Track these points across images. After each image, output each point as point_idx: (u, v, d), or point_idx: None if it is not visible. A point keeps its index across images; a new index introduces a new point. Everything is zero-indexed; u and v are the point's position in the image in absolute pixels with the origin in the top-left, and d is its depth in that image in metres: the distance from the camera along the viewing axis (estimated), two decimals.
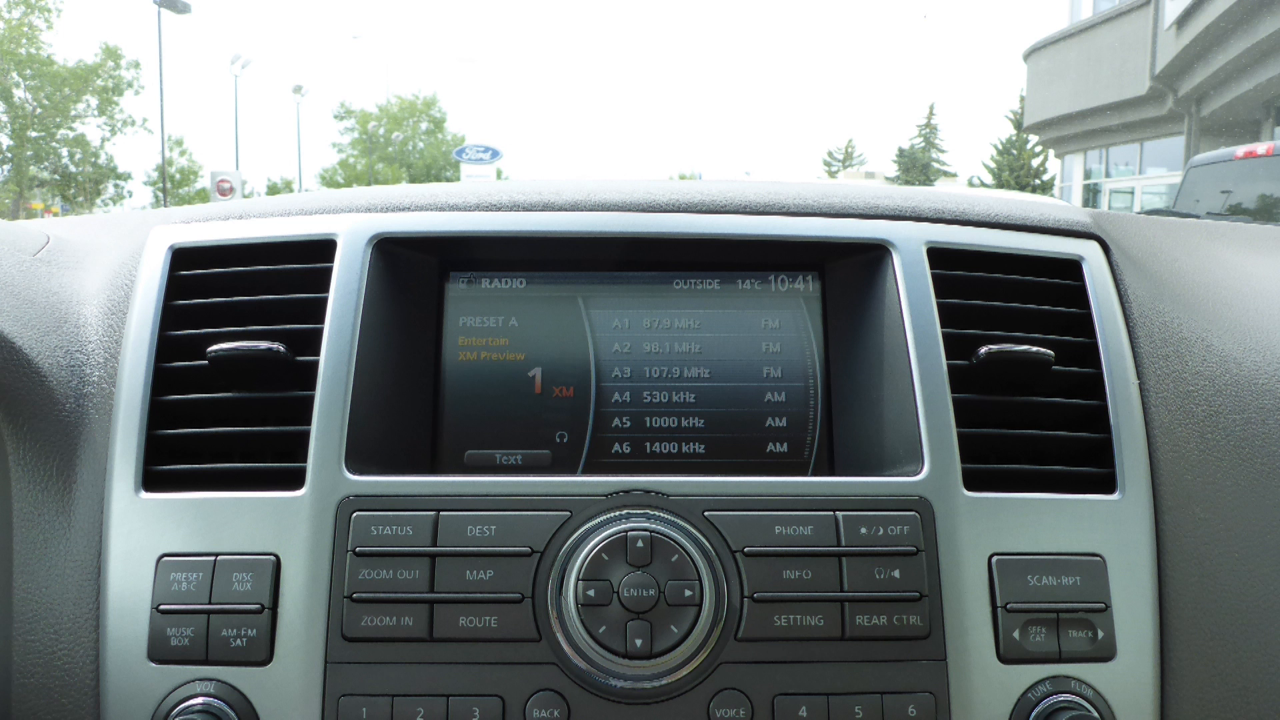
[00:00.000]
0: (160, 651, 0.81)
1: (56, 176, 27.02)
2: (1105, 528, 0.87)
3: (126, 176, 29.05)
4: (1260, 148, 8.32)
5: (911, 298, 0.92)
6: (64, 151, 26.84)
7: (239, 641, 0.81)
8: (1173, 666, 0.85)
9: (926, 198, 1.02)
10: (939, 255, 0.96)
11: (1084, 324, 0.95)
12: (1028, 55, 23.81)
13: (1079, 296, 0.97)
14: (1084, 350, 0.94)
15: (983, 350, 0.91)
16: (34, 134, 25.71)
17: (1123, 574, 0.86)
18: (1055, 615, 0.84)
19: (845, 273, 0.98)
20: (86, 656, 0.83)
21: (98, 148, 27.42)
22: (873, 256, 0.96)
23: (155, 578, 0.82)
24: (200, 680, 0.81)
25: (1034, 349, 0.90)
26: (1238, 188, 8.05)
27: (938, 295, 0.93)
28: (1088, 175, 23.70)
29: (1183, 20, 16.36)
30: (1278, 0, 13.44)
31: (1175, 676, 0.85)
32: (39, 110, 25.62)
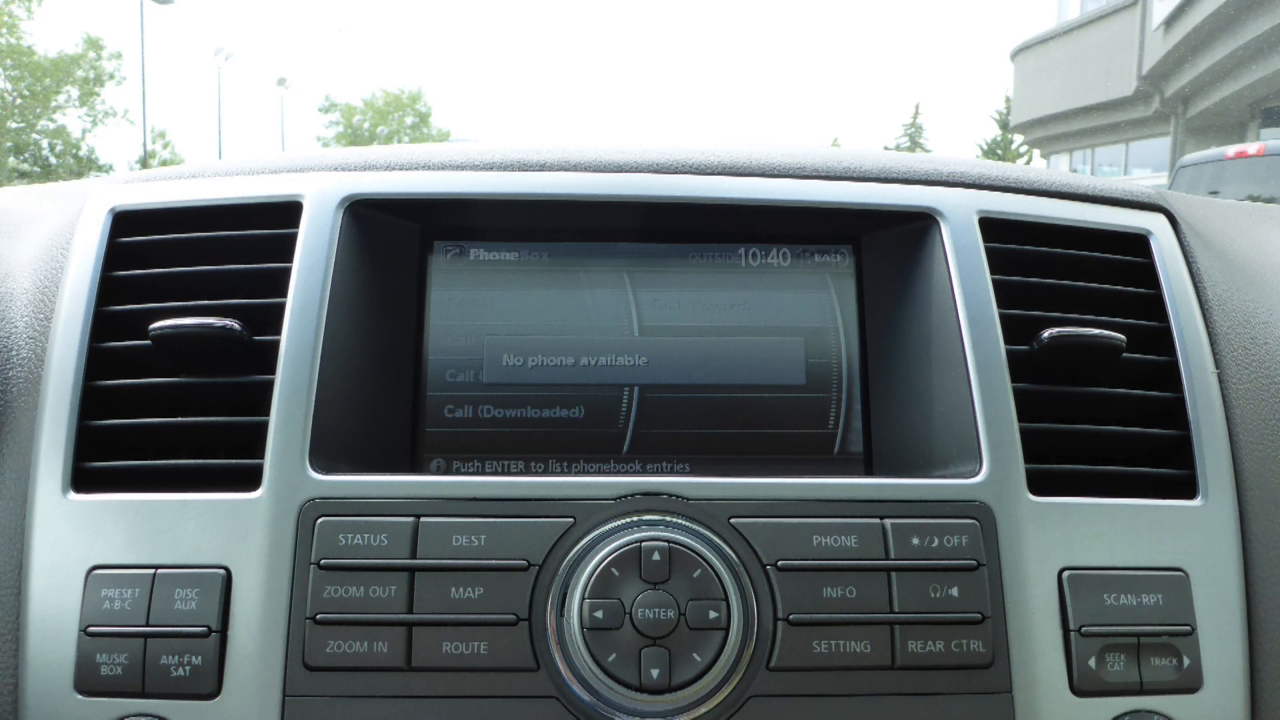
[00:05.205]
0: (88, 681, 0.72)
1: (37, 168, 27.17)
2: (1187, 538, 0.79)
3: (108, 169, 29.30)
4: (1251, 148, 8.65)
5: (963, 274, 0.83)
6: (44, 143, 27.11)
7: (181, 670, 0.72)
8: (1264, 699, 0.77)
9: (974, 164, 0.94)
10: (992, 226, 0.87)
11: (1154, 306, 0.88)
12: (1015, 55, 24.19)
13: (1148, 275, 0.89)
14: (1156, 335, 0.87)
15: (1045, 334, 0.82)
16: (14, 125, 25.92)
17: (1208, 592, 0.77)
18: (1135, 640, 0.75)
19: (885, 246, 0.90)
20: (4, 686, 0.74)
21: (79, 139, 27.69)
22: (917, 227, 0.88)
23: (84, 594, 0.74)
24: (135, 716, 0.72)
25: (1105, 333, 0.82)
26: (1228, 188, 8.27)
27: (992, 272, 0.83)
28: None
29: (1170, 21, 16.68)
30: (1265, 1, 13.68)
31: (1267, 710, 0.77)
32: (19, 101, 25.78)
